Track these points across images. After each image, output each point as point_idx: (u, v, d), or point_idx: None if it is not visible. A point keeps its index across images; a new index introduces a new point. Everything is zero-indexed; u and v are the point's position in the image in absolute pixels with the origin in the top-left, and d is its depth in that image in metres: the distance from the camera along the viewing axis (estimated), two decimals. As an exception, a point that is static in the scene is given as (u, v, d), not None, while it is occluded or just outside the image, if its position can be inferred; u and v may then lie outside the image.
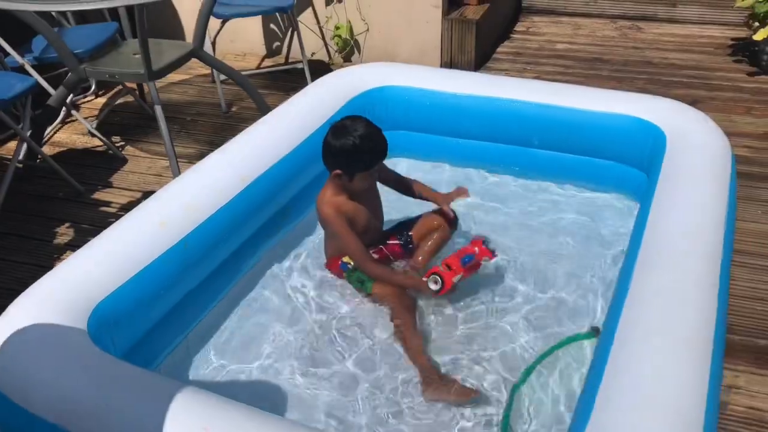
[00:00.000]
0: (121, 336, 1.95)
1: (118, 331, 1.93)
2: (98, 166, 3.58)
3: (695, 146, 2.53)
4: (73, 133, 3.94)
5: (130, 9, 3.76)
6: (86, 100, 4.36)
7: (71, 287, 1.88)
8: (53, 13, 3.79)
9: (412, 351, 2.11)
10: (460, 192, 2.49)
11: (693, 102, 4.01)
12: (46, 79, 3.55)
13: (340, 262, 2.43)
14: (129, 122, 4.09)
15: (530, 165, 2.96)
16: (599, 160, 2.86)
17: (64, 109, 3.87)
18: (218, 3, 4.01)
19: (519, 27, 5.40)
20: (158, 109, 3.21)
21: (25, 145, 3.28)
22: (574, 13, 5.57)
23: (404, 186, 2.56)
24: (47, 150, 3.79)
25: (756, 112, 3.87)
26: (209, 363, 2.15)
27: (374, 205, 2.48)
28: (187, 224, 2.22)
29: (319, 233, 2.55)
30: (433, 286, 2.23)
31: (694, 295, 1.84)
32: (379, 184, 2.49)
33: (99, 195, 3.32)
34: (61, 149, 3.80)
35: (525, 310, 2.32)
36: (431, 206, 2.53)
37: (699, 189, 2.29)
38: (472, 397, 1.97)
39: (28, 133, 3.30)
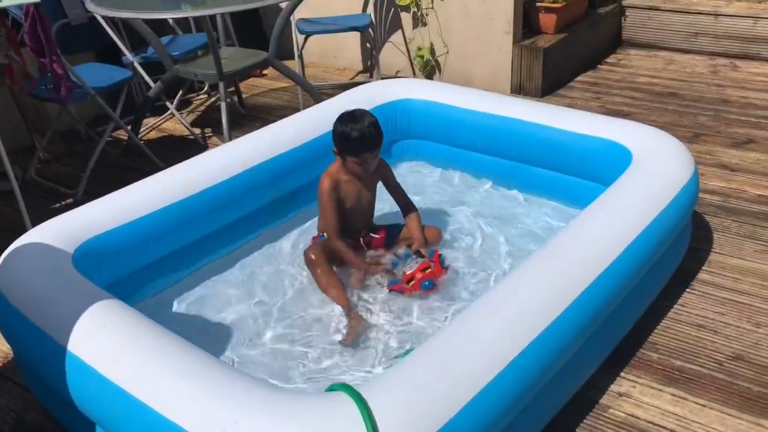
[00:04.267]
0: (108, 268, 2.51)
1: (106, 264, 2.50)
2: (184, 151, 4.27)
3: (651, 168, 2.64)
4: (177, 123, 4.70)
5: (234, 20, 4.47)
6: (198, 97, 5.15)
7: (71, 224, 2.47)
8: (170, 21, 4.58)
9: (335, 297, 2.59)
10: (434, 240, 2.85)
11: (746, 141, 3.93)
12: (156, 78, 4.32)
13: (320, 235, 2.84)
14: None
15: (516, 178, 3.20)
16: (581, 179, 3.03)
17: (174, 103, 4.65)
18: (304, 21, 4.61)
19: (611, 59, 5.47)
20: (222, 105, 3.82)
21: (129, 127, 4.07)
22: (672, 48, 5.51)
23: (402, 208, 2.90)
24: (153, 134, 4.59)
25: (810, 157, 3.72)
26: (180, 308, 2.66)
27: (368, 196, 2.85)
28: (184, 191, 2.76)
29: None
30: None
31: (549, 289, 2.04)
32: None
33: (174, 173, 4.00)
34: (162, 135, 4.57)
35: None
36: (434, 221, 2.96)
37: (624, 206, 2.43)
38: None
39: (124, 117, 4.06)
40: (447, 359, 1.82)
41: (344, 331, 2.47)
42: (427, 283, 2.58)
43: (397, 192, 2.89)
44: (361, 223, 2.86)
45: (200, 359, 1.82)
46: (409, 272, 2.60)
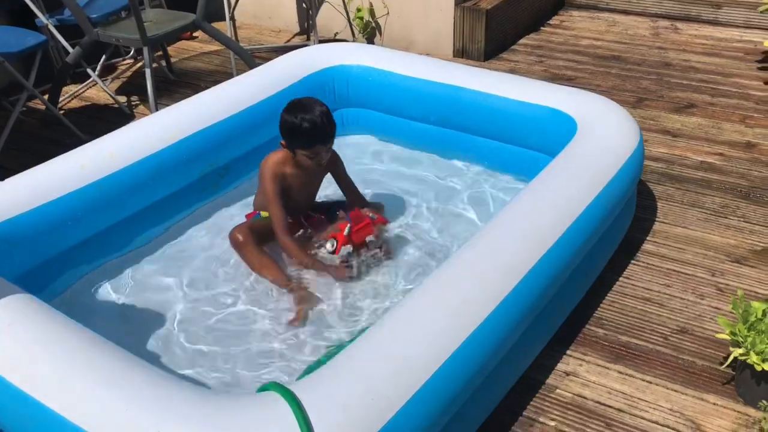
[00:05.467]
0: (20, 257, 2.30)
1: (17, 252, 2.28)
2: (108, 120, 4.00)
3: (597, 137, 2.56)
4: (101, 90, 4.40)
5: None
6: (124, 62, 4.83)
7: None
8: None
9: (266, 270, 2.46)
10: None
11: (687, 106, 3.91)
12: (75, 42, 4.01)
13: (256, 213, 2.67)
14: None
15: (460, 148, 3.10)
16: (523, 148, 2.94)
17: (98, 69, 4.34)
18: (235, -20, 4.33)
19: (553, 20, 5.37)
20: (147, 72, 3.57)
21: (46, 96, 3.76)
22: (614, 10, 5.45)
23: (350, 197, 2.73)
24: (75, 103, 4.29)
25: (750, 121, 3.72)
26: (100, 299, 2.46)
27: (313, 184, 2.69)
28: (105, 169, 2.54)
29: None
30: (329, 247, 2.50)
31: (493, 271, 1.94)
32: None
33: (98, 145, 3.74)
34: (85, 103, 4.27)
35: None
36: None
37: (569, 178, 2.35)
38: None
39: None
40: (387, 350, 1.72)
41: (291, 312, 2.34)
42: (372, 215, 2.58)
43: (348, 187, 2.72)
44: (302, 206, 2.71)
45: (121, 361, 1.67)
46: (332, 248, 2.49)
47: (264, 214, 2.64)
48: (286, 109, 2.44)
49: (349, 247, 2.50)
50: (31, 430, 1.64)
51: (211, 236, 2.76)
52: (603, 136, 2.57)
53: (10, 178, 2.42)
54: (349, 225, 2.49)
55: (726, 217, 2.95)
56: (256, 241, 2.52)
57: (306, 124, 2.37)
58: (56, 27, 3.91)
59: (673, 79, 4.27)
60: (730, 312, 2.39)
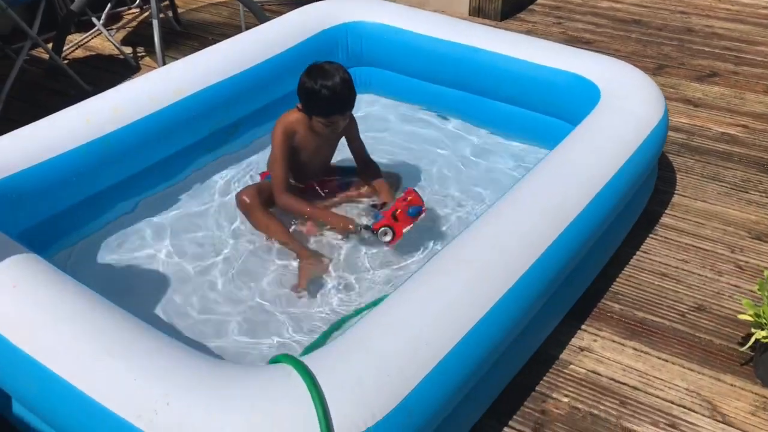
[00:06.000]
0: (24, 213, 2.23)
1: (20, 208, 2.21)
2: (114, 72, 3.90)
3: (621, 107, 2.47)
4: (106, 40, 4.28)
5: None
6: (130, 11, 4.70)
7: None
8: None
9: (273, 232, 2.39)
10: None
11: (710, 74, 3.80)
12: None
13: (268, 174, 2.59)
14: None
15: (479, 112, 3.00)
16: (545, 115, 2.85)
17: (102, 18, 4.21)
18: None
19: (572, -20, 5.21)
20: (154, 23, 3.45)
21: (50, 45, 3.65)
22: (636, -29, 5.27)
23: (360, 165, 2.62)
24: (79, 53, 4.18)
25: (775, 92, 3.62)
26: (105, 258, 2.39)
27: (328, 147, 2.59)
28: (111, 124, 2.46)
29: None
30: (385, 238, 2.31)
31: (513, 244, 1.88)
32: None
33: (102, 97, 3.64)
34: (89, 53, 4.16)
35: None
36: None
37: (593, 149, 2.27)
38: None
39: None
40: (403, 324, 1.66)
41: (297, 278, 2.28)
42: (411, 209, 2.33)
43: (358, 149, 2.61)
44: (315, 169, 2.61)
45: (129, 327, 1.61)
46: (387, 210, 2.34)
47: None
48: (307, 72, 2.32)
49: (409, 226, 2.35)
50: (37, 396, 1.59)
51: (218, 197, 2.69)
52: (627, 106, 2.47)
53: (13, 132, 2.34)
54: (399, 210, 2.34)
55: (747, 192, 2.88)
56: (263, 202, 2.45)
57: (325, 91, 2.25)
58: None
59: (695, 45, 4.15)
60: (750, 291, 2.34)
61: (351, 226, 2.38)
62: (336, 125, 2.38)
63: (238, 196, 2.50)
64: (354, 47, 3.18)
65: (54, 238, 2.35)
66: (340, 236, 2.43)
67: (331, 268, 2.33)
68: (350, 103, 2.33)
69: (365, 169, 2.60)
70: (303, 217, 2.46)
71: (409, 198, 2.37)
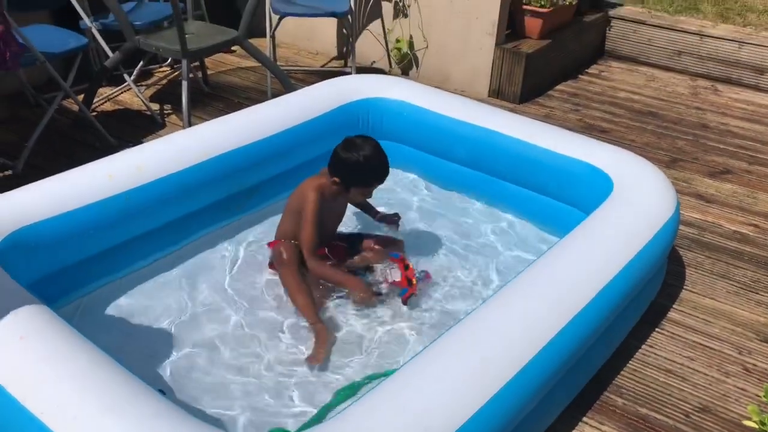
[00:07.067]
0: (38, 263, 2.26)
1: (35, 258, 2.25)
2: (139, 126, 4.00)
3: (633, 200, 2.51)
4: (135, 96, 4.41)
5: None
6: (161, 69, 4.85)
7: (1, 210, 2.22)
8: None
9: (302, 304, 2.41)
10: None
11: (723, 171, 3.85)
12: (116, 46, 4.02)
13: (279, 241, 2.62)
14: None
15: (493, 194, 3.06)
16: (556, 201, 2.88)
17: (134, 74, 4.36)
18: (280, 0, 4.35)
19: (592, 69, 5.34)
20: (184, 84, 3.56)
21: (81, 97, 3.76)
22: (654, 64, 5.41)
23: (374, 212, 2.88)
24: (108, 106, 4.30)
25: (787, 194, 3.65)
26: (113, 314, 2.41)
27: (340, 213, 2.73)
28: (132, 181, 2.52)
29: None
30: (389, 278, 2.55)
31: (516, 333, 1.88)
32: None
33: (126, 151, 3.73)
34: (118, 107, 4.27)
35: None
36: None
37: (603, 240, 2.29)
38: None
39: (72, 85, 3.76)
40: (402, 408, 1.65)
41: (310, 349, 2.28)
42: (418, 274, 2.56)
43: (364, 202, 2.83)
44: (329, 234, 2.70)
45: (129, 388, 1.62)
46: (398, 279, 2.52)
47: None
48: (344, 147, 2.48)
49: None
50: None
51: (230, 257, 2.73)
52: (639, 200, 2.51)
53: (37, 182, 2.40)
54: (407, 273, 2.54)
55: (757, 293, 2.87)
56: (298, 263, 2.51)
57: (368, 163, 2.44)
58: (99, 30, 3.92)
59: (709, 141, 4.21)
60: (756, 396, 2.31)
61: (374, 299, 2.46)
62: (370, 193, 2.57)
63: (276, 248, 2.56)
64: (375, 121, 3.26)
65: (66, 289, 2.38)
66: (357, 306, 2.48)
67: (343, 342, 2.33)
68: (388, 171, 2.51)
69: (374, 211, 2.87)
70: (332, 282, 2.52)
71: (409, 268, 2.57)
